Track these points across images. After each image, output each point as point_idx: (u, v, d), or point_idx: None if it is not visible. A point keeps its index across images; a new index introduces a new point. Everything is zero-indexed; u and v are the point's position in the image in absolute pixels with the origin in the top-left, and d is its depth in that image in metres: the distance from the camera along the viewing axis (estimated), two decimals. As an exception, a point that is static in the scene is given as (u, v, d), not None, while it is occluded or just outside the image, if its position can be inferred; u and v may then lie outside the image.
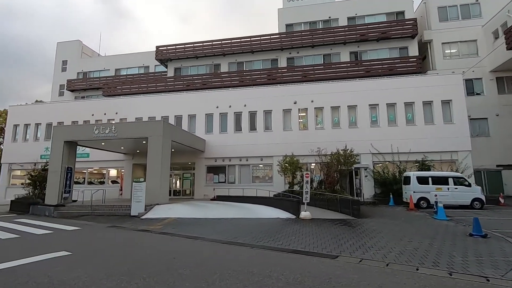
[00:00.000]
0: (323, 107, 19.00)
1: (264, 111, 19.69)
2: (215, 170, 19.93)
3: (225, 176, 19.62)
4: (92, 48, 37.85)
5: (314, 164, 18.26)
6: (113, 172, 23.69)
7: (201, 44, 26.82)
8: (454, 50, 22.12)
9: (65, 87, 33.84)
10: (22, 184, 23.45)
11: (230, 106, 20.07)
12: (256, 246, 6.70)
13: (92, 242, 7.40)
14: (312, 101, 19.05)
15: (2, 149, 26.77)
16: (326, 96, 18.95)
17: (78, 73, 34.64)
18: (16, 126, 23.54)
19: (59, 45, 35.63)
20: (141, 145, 16.99)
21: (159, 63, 29.67)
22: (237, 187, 18.59)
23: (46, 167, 16.33)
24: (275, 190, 16.92)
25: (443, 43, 22.10)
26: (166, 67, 28.73)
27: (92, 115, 21.76)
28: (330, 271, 4.72)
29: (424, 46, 23.14)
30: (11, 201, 16.93)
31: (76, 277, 4.49)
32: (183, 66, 27.72)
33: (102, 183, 22.18)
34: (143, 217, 11.89)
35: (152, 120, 13.90)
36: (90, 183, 22.21)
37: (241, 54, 26.17)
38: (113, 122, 18.41)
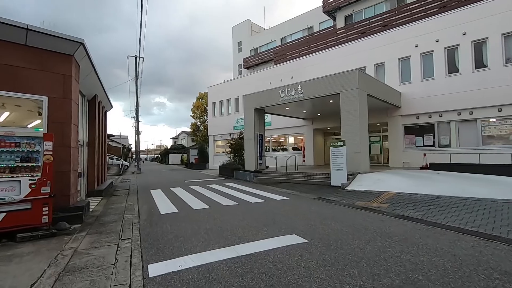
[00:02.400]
0: None
1: (502, 35, 12.69)
2: (416, 130, 15.27)
3: (434, 138, 14.61)
4: (258, 24, 39.62)
5: None
6: (290, 139, 23.71)
7: (378, -26, 21.22)
8: None
9: (242, 66, 37.30)
10: (223, 152, 28.00)
11: (437, 41, 14.35)
12: None
13: (316, 223, 5.70)
14: None
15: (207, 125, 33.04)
16: None
17: (250, 50, 37.22)
18: (213, 103, 27.77)
19: (234, 29, 39.40)
20: (324, 106, 14.97)
21: (323, 20, 27.23)
22: (457, 152, 13.33)
23: (241, 136, 17.57)
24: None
25: None
26: (335, 20, 25.32)
27: (270, 83, 21.92)
28: None
29: None
30: (219, 166, 19.76)
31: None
32: (355, 11, 23.26)
33: (284, 150, 22.52)
34: (347, 188, 9.76)
35: (344, 72, 11.34)
36: (274, 150, 23.10)
37: (439, -31, 18.60)
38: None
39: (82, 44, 6.63)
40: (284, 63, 24.04)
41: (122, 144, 40.11)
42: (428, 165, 12.69)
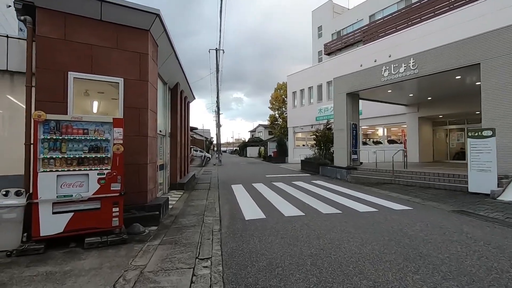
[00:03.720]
0: None
1: None
2: None
3: None
4: (341, 5, 35.81)
5: None
6: (381, 132, 20.13)
7: None
8: None
9: (323, 53, 34.28)
10: (303, 145, 26.08)
11: None
12: None
13: (508, 267, 3.35)
14: None
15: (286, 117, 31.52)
16: None
17: (332, 34, 33.99)
18: (293, 93, 25.96)
19: (313, 13, 36.61)
20: (441, 86, 11.48)
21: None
22: None
23: (329, 126, 15.37)
24: None
25: None
26: (445, -20, 20.21)
27: (361, 65, 18.80)
28: None
29: None
30: (301, 160, 17.95)
31: None
32: (479, -36, 17.88)
33: (377, 143, 19.20)
34: (502, 198, 6.69)
35: (490, 32, 7.97)
36: (363, 143, 19.98)
37: None
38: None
39: (158, 15, 5.67)
40: (377, 41, 20.45)
41: (205, 137, 42.21)
42: None
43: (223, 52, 26.19)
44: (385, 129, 19.31)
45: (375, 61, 17.99)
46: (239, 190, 9.49)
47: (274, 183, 11.15)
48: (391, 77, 10.65)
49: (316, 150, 15.92)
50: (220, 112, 26.19)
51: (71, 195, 3.98)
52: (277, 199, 7.61)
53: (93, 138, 4.20)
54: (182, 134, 11.40)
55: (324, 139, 15.15)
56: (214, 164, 24.74)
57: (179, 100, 10.38)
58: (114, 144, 4.30)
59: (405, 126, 16.87)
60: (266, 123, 54.30)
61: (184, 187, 9.86)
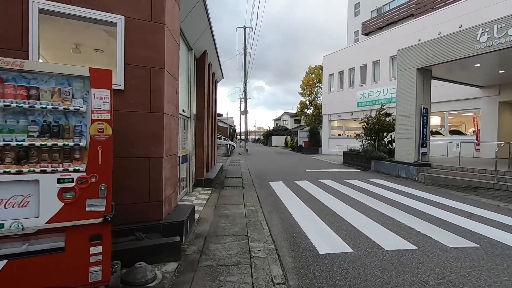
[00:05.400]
0: None
1: None
2: None
3: None
4: (383, -23, 31.71)
5: None
6: (435, 121, 16.93)
7: None
8: None
9: (360, 32, 30.74)
10: (339, 134, 23.32)
11: None
12: None
13: None
14: None
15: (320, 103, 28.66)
16: None
17: (371, 11, 30.39)
18: (330, 76, 23.05)
19: (351, -12, 33.01)
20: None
21: None
22: None
23: (382, 112, 12.63)
24: None
25: None
26: None
27: (419, 40, 15.64)
28: None
29: None
30: (344, 152, 15.39)
31: None
32: None
33: (436, 133, 16.10)
34: None
35: None
36: (417, 134, 16.92)
37: None
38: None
39: None
40: (438, 11, 17.03)
41: (229, 125, 40.29)
42: None
43: (252, 30, 23.65)
44: (447, 117, 16.11)
45: (439, 34, 14.76)
46: (282, 191, 7.28)
47: (322, 181, 8.83)
48: (491, 43, 7.75)
49: (365, 140, 13.26)
50: (248, 98, 23.91)
51: (1, 225, 1.91)
52: (348, 211, 5.29)
53: (50, 107, 2.07)
54: (210, 118, 9.30)
55: (378, 127, 12.43)
56: (240, 154, 22.73)
57: (206, 74, 8.21)
58: (94, 120, 2.15)
59: (472, 113, 13.72)
60: (290, 111, 51.34)
61: (212, 184, 7.79)
